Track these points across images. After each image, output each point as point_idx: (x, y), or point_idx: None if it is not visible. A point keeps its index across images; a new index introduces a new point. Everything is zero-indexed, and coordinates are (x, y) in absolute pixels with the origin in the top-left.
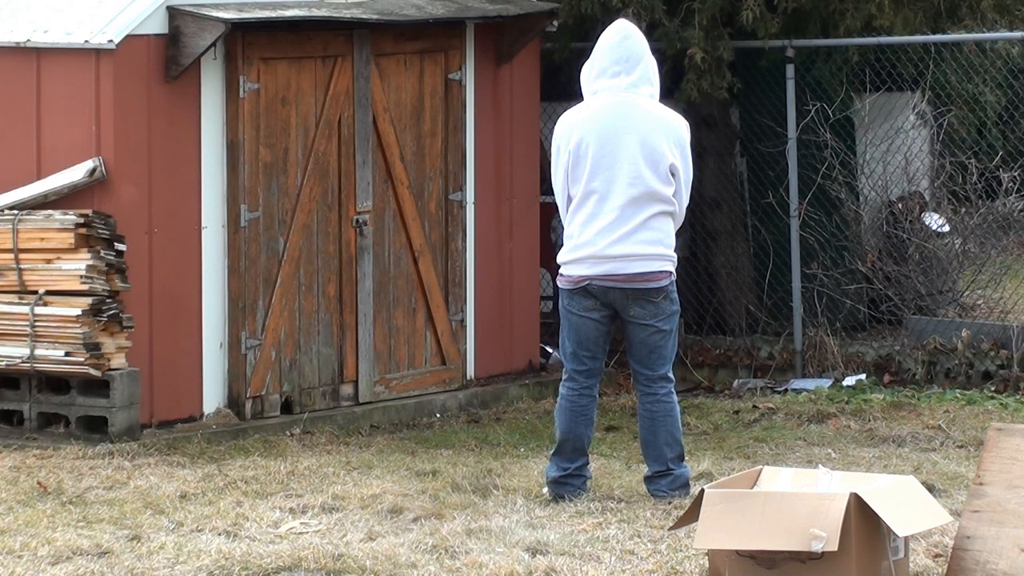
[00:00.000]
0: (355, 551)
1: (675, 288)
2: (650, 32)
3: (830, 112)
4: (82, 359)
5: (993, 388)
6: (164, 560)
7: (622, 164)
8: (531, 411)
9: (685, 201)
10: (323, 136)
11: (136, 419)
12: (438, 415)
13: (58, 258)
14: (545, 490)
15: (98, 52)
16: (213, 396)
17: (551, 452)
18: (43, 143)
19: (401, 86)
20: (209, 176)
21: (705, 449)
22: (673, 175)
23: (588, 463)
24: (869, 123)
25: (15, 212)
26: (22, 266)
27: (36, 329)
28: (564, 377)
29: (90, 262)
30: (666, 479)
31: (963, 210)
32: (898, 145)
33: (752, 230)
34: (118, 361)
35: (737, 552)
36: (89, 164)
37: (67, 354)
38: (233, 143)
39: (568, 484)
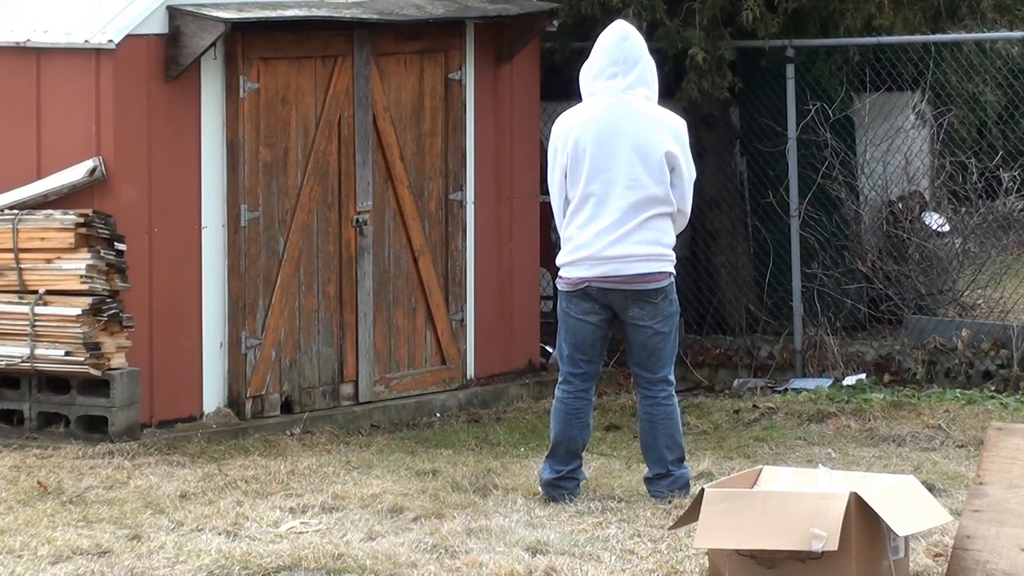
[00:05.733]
0: (355, 551)
1: (675, 289)
2: (651, 32)
3: (830, 112)
4: (82, 359)
5: (993, 388)
6: (164, 560)
7: (620, 167)
8: (531, 411)
9: (688, 200)
10: (323, 136)
11: (136, 419)
12: (438, 415)
13: (58, 258)
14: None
15: (98, 52)
16: (213, 396)
17: (545, 454)
18: (43, 143)
19: (401, 86)
20: (209, 176)
21: (705, 449)
22: (672, 170)
23: (581, 466)
24: (869, 123)
25: (15, 212)
26: (22, 266)
27: (36, 329)
28: (560, 379)
29: (90, 262)
30: (666, 480)
31: (963, 210)
32: (898, 145)
33: (752, 230)
34: (118, 361)
35: (737, 552)
36: (89, 164)
37: (67, 354)
38: (233, 143)
39: (561, 487)
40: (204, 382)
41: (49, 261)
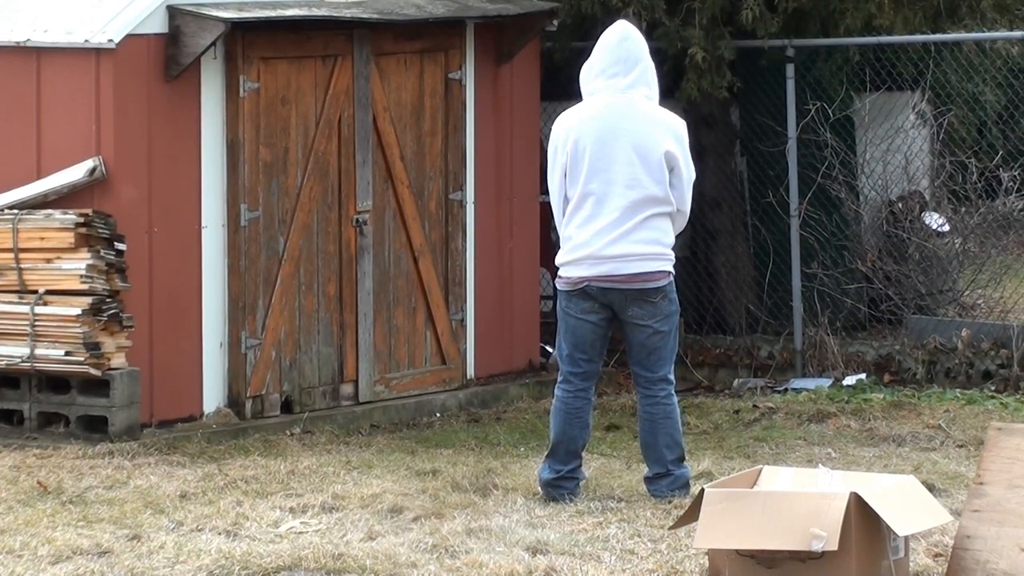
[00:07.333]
0: (355, 550)
1: (674, 288)
2: (650, 31)
3: (830, 111)
4: (82, 359)
5: (993, 388)
6: (164, 560)
7: (619, 166)
8: (531, 410)
9: (688, 200)
10: (323, 136)
11: (136, 418)
12: (438, 414)
13: (58, 257)
14: None
15: (98, 51)
16: (213, 395)
17: (545, 454)
18: (43, 143)
19: (401, 85)
20: (209, 176)
21: (705, 449)
22: (672, 170)
23: (581, 465)
24: (869, 122)
25: (15, 212)
26: (22, 265)
27: (36, 328)
28: (559, 379)
29: (90, 261)
30: (666, 480)
31: (963, 209)
32: (898, 144)
33: (752, 229)
34: (118, 360)
35: (737, 552)
36: (89, 163)
37: (67, 353)
38: (233, 143)
39: (561, 487)
40: (204, 382)
41: (49, 261)
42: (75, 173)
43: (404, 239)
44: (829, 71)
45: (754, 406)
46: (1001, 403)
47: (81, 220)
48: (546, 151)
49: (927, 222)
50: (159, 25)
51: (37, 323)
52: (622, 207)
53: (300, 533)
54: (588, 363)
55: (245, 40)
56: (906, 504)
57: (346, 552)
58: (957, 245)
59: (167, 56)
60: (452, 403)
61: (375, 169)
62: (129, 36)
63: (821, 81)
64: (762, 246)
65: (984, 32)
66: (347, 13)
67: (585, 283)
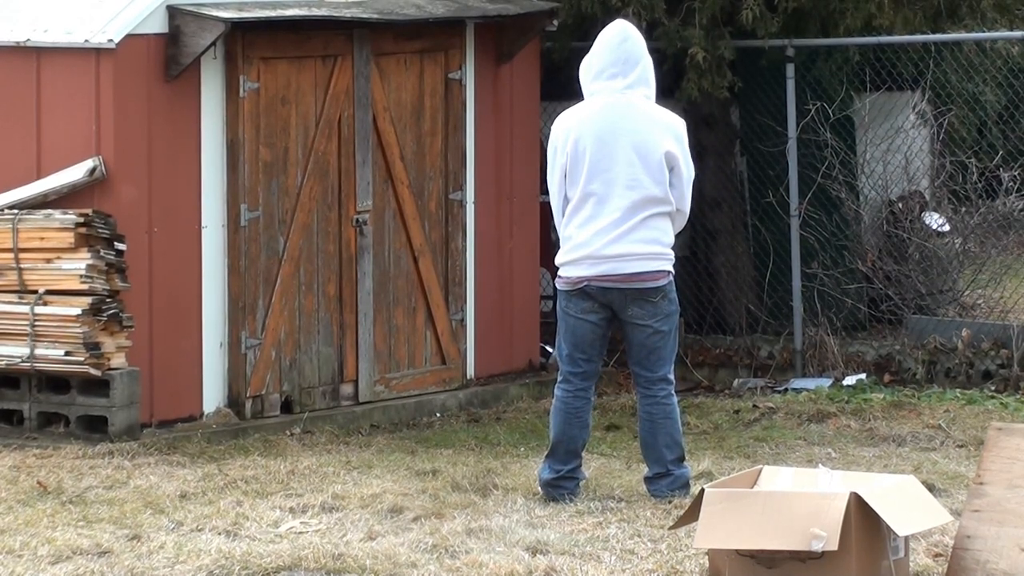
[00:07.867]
0: (355, 550)
1: (674, 288)
2: (650, 31)
3: (830, 111)
4: (82, 359)
5: (993, 387)
6: (164, 560)
7: (619, 166)
8: (531, 411)
9: (687, 200)
10: (323, 135)
11: (136, 418)
12: (438, 414)
13: (58, 257)
14: None
15: (98, 51)
16: (213, 395)
17: (545, 454)
18: (43, 142)
19: (401, 85)
20: (209, 176)
21: (705, 448)
22: (672, 169)
23: (581, 465)
24: (869, 122)
25: (15, 211)
26: (22, 265)
27: (36, 328)
28: (559, 379)
29: (90, 261)
30: (666, 480)
31: (963, 209)
32: (898, 144)
33: (752, 229)
34: (118, 360)
35: (737, 552)
36: (89, 163)
37: (67, 353)
38: (233, 142)
39: (561, 486)
40: (204, 382)
41: (49, 261)
42: (75, 173)
43: (404, 239)
44: (829, 71)
45: (754, 406)
46: (1001, 403)
47: (81, 220)
48: (546, 151)
49: (927, 222)
50: (159, 25)
51: (37, 323)
52: (622, 207)
53: (300, 533)
54: (588, 363)
55: (245, 40)
56: (906, 504)
57: (346, 552)
58: (957, 245)
59: (167, 56)
60: (452, 403)
61: (375, 169)
62: (129, 36)
63: (821, 81)
64: (762, 246)
65: (984, 32)
66: (347, 13)
67: (585, 283)
